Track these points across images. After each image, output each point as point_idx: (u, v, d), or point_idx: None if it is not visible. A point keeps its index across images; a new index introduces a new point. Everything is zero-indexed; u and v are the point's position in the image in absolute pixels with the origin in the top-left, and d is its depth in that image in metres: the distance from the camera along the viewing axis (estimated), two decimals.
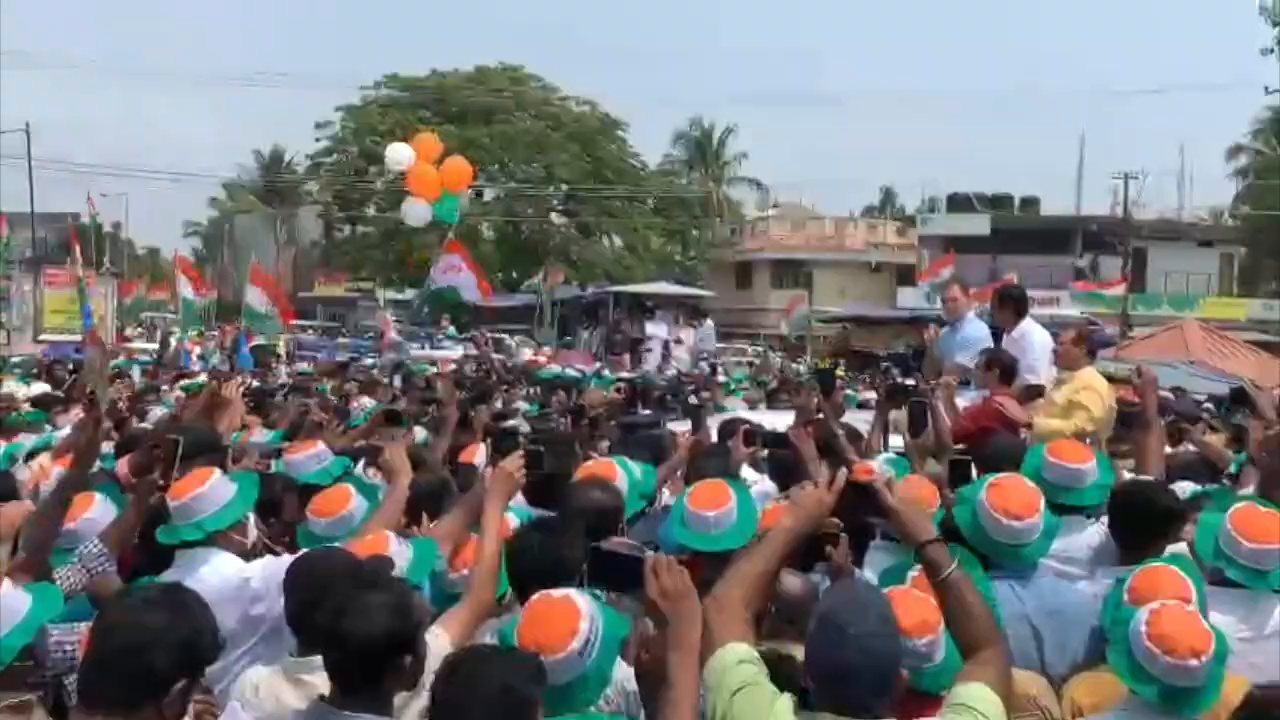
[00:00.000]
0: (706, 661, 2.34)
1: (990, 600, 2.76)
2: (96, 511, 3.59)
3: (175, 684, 2.11)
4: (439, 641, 2.70)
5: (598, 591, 2.58)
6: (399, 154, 12.99)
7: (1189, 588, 2.87)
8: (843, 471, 2.63)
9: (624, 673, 2.54)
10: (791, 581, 2.92)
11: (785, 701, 2.24)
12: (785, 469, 4.59)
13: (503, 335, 28.56)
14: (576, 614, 2.38)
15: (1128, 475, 4.37)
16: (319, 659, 2.63)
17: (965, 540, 3.22)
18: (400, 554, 3.12)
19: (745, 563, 2.55)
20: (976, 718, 2.20)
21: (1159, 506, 3.61)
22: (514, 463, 3.29)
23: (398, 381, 12.69)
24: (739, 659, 2.31)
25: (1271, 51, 31.62)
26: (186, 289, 16.41)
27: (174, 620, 2.16)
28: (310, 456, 4.62)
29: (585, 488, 3.69)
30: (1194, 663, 2.51)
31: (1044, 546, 3.37)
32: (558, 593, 2.48)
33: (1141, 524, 3.54)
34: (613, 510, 3.56)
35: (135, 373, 12.07)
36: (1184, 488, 4.41)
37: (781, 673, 2.34)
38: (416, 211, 12.79)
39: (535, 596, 2.50)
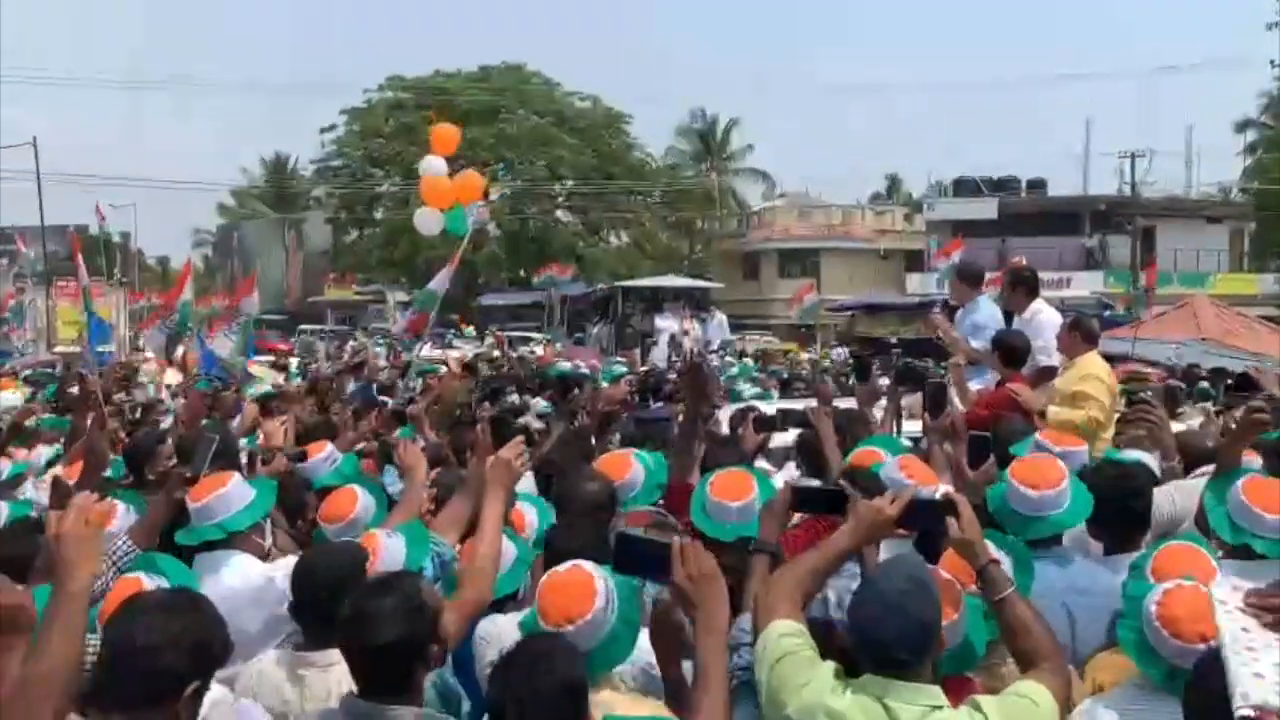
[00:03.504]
0: (758, 638, 2.47)
1: (1027, 584, 2.86)
2: (122, 522, 3.59)
3: (188, 685, 2.15)
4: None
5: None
6: (431, 167, 12.77)
7: (1212, 567, 2.81)
8: (909, 488, 2.73)
9: (647, 655, 2.58)
10: None
11: (826, 667, 2.35)
12: (814, 453, 4.61)
13: (523, 334, 28.64)
14: (589, 576, 2.53)
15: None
16: (321, 654, 2.71)
17: (995, 519, 3.27)
18: (394, 547, 3.11)
19: (803, 556, 2.67)
20: (1031, 706, 2.31)
21: (1140, 494, 3.52)
22: (513, 450, 3.28)
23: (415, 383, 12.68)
24: (782, 633, 2.42)
25: (1277, 25, 31.56)
26: (188, 292, 16.00)
27: (187, 622, 2.20)
28: (322, 459, 4.68)
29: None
30: (1201, 647, 2.43)
31: (1069, 519, 3.38)
32: (563, 566, 2.61)
33: (1122, 513, 3.45)
34: (606, 501, 3.60)
35: (149, 385, 12.10)
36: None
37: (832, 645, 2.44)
38: (428, 221, 12.65)
39: (545, 575, 2.63)
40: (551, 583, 2.56)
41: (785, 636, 2.41)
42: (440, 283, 11.20)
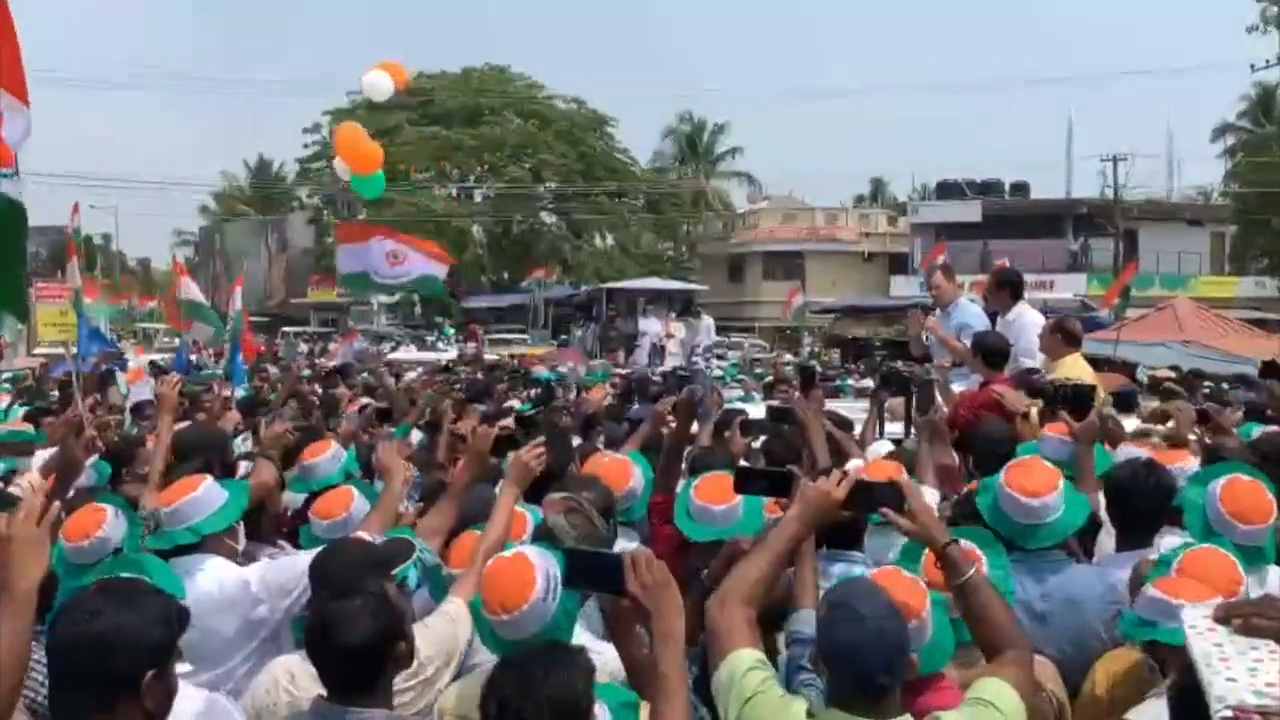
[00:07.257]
0: (716, 668, 2.37)
1: (1008, 591, 2.80)
2: (109, 528, 3.55)
3: (144, 677, 2.08)
4: (457, 607, 2.85)
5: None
6: (377, 82, 13.05)
7: (1239, 573, 2.77)
8: (852, 467, 2.64)
9: (614, 661, 2.52)
10: None
11: (798, 705, 2.27)
12: (781, 453, 4.52)
13: (506, 337, 28.55)
14: (530, 566, 2.44)
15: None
16: None
17: (985, 524, 3.25)
18: None
19: (748, 562, 2.56)
20: (994, 713, 2.24)
21: (1160, 486, 3.49)
22: (531, 452, 3.28)
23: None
24: (748, 666, 2.34)
25: (1257, 29, 31.77)
26: (192, 291, 15.46)
27: (124, 620, 2.10)
28: (329, 458, 4.53)
29: (575, 487, 3.61)
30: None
31: (1066, 525, 3.33)
32: (509, 552, 2.56)
33: (1141, 507, 3.44)
34: (603, 509, 3.47)
35: (120, 383, 11.90)
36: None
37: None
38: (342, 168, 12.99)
39: (490, 561, 2.58)
40: (493, 570, 2.50)
41: (752, 671, 2.32)
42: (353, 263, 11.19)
